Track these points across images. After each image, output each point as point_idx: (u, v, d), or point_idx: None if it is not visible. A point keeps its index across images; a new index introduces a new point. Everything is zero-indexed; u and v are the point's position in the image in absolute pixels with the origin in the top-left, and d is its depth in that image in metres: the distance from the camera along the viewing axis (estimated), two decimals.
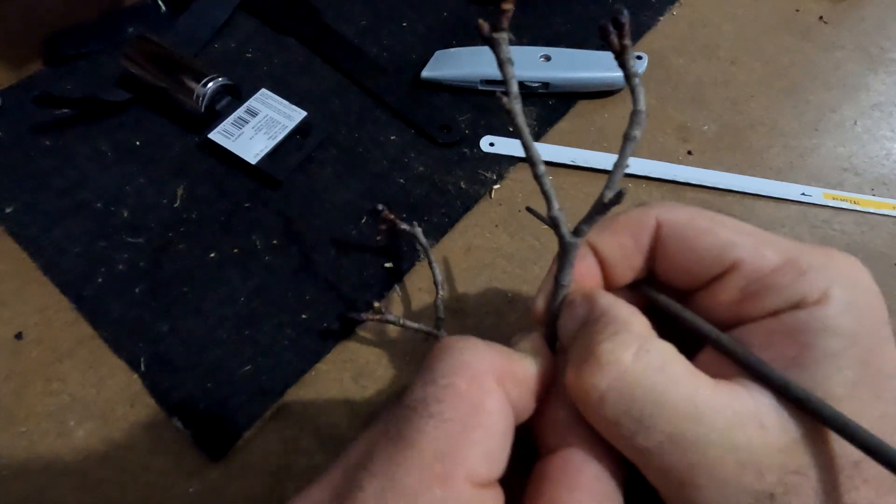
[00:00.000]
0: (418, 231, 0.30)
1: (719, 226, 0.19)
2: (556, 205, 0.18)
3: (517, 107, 0.17)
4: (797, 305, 0.17)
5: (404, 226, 0.30)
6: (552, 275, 0.20)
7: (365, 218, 0.34)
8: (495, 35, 0.17)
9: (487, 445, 0.15)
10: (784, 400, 0.16)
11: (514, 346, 0.19)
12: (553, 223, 0.19)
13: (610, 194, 0.17)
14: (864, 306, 0.17)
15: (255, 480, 0.26)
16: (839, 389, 0.15)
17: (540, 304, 0.20)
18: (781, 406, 0.16)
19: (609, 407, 0.15)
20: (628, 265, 0.20)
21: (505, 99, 0.17)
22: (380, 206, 0.29)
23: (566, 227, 0.19)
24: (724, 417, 0.15)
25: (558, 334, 0.20)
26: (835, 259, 0.17)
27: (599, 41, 0.18)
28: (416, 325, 0.28)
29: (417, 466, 0.14)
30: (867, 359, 0.16)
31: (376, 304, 0.28)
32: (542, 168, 0.18)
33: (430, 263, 0.30)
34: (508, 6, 0.16)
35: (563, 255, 0.19)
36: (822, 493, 0.15)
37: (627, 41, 0.17)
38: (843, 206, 0.37)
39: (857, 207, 0.37)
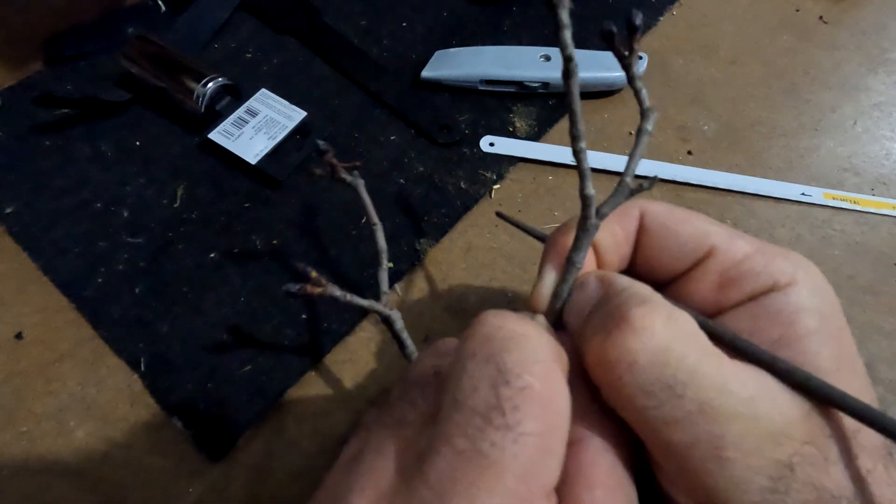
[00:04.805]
0: (360, 184, 0.28)
1: (695, 216, 0.20)
2: (589, 183, 0.18)
3: (568, 32, 0.16)
4: (772, 288, 0.18)
5: (345, 175, 0.27)
6: (556, 260, 0.20)
7: (364, 218, 0.34)
8: None
9: (561, 452, 0.15)
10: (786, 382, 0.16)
11: None
12: (584, 202, 0.18)
13: (629, 181, 0.18)
14: (824, 290, 0.18)
15: (255, 480, 0.26)
16: (826, 363, 0.16)
17: (547, 287, 0.20)
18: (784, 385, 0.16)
19: (641, 373, 0.15)
20: (618, 254, 0.21)
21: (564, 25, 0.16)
22: (321, 145, 0.25)
23: (594, 208, 0.19)
24: (747, 389, 0.15)
25: (566, 315, 0.19)
26: (790, 252, 0.19)
27: (602, 42, 0.18)
28: (361, 302, 0.24)
29: (500, 490, 0.13)
30: (839, 336, 0.17)
31: (314, 274, 0.23)
32: (583, 143, 0.17)
33: (371, 224, 0.27)
34: None
35: (583, 237, 0.19)
36: (832, 463, 0.15)
37: (636, 45, 0.17)
38: (843, 206, 0.37)
39: (857, 207, 0.37)
